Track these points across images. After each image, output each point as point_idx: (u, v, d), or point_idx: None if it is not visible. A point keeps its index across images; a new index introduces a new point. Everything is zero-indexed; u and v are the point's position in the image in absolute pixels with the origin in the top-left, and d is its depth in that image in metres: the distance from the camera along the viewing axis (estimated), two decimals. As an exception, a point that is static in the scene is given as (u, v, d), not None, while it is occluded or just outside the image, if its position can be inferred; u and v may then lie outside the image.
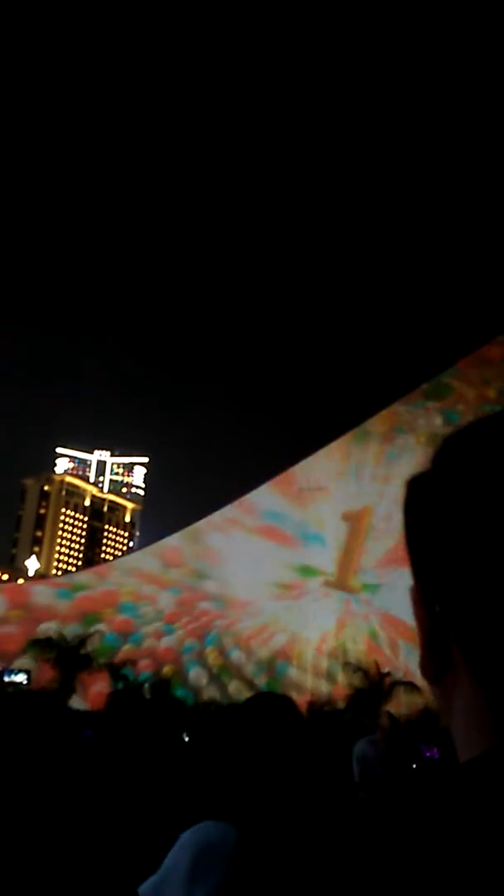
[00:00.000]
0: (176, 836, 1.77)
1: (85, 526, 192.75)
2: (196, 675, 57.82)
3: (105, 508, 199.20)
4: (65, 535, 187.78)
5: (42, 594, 63.26)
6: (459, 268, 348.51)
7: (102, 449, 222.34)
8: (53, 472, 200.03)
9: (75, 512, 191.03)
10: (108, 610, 60.75)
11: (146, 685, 41.26)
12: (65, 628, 50.97)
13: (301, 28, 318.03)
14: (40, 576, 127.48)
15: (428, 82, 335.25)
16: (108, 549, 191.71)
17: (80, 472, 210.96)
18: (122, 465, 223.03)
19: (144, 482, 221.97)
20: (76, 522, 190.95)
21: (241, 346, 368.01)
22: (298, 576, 63.68)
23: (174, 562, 64.95)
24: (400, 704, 38.16)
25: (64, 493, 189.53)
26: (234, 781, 1.81)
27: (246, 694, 54.57)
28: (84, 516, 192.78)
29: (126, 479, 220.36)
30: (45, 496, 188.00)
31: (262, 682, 56.05)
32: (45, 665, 41.12)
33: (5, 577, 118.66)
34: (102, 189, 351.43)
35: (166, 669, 55.36)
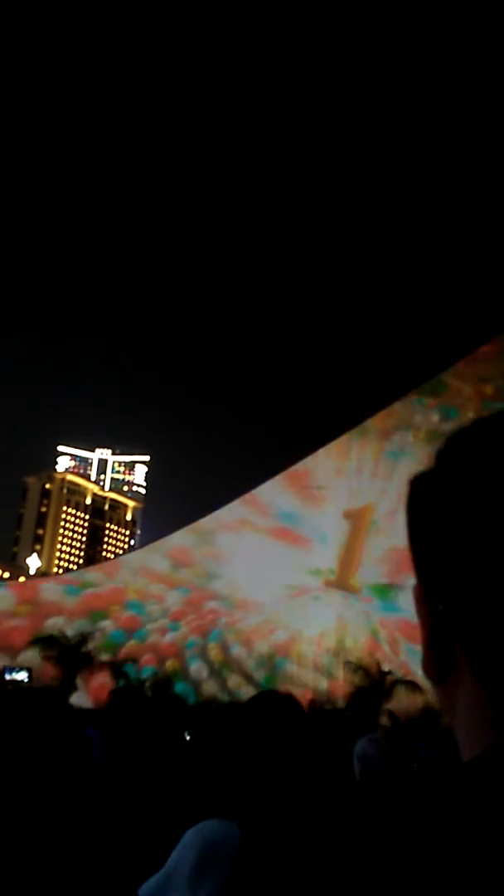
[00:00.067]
0: (178, 834, 1.77)
1: (86, 524, 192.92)
2: (197, 668, 58.40)
3: (106, 507, 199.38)
4: (66, 533, 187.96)
5: (50, 591, 64.09)
6: (459, 268, 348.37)
7: (104, 447, 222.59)
8: (55, 470, 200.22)
9: (76, 510, 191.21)
10: (114, 607, 61.31)
11: (147, 683, 41.31)
12: (72, 624, 52.05)
13: (301, 27, 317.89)
14: (42, 574, 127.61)
15: (427, 82, 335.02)
16: (110, 548, 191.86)
17: (82, 471, 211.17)
18: (123, 464, 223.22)
19: (145, 480, 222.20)
20: (77, 520, 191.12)
21: (242, 345, 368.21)
22: (310, 577, 63.79)
23: (184, 562, 65.15)
24: (401, 703, 38.19)
25: (65, 491, 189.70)
26: (237, 780, 1.81)
27: (245, 688, 55.52)
28: (85, 514, 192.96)
29: (127, 478, 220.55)
30: (46, 494, 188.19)
31: (260, 676, 56.67)
32: (47, 663, 41.31)
33: (6, 575, 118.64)
34: (103, 188, 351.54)
35: (169, 663, 56.10)
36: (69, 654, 40.56)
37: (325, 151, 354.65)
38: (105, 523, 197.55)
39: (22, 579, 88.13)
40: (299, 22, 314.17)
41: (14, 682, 40.09)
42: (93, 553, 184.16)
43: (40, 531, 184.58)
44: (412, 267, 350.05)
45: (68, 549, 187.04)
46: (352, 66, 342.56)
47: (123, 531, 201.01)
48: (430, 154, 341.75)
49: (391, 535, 58.20)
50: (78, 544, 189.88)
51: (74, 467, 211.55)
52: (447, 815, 0.47)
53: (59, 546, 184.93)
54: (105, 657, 45.26)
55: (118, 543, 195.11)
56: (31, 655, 43.56)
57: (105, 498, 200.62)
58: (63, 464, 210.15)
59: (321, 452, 68.89)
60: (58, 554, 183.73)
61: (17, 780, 1.61)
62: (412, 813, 0.49)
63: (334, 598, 62.73)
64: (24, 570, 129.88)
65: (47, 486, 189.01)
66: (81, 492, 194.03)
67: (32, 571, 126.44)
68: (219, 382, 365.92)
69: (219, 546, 65.68)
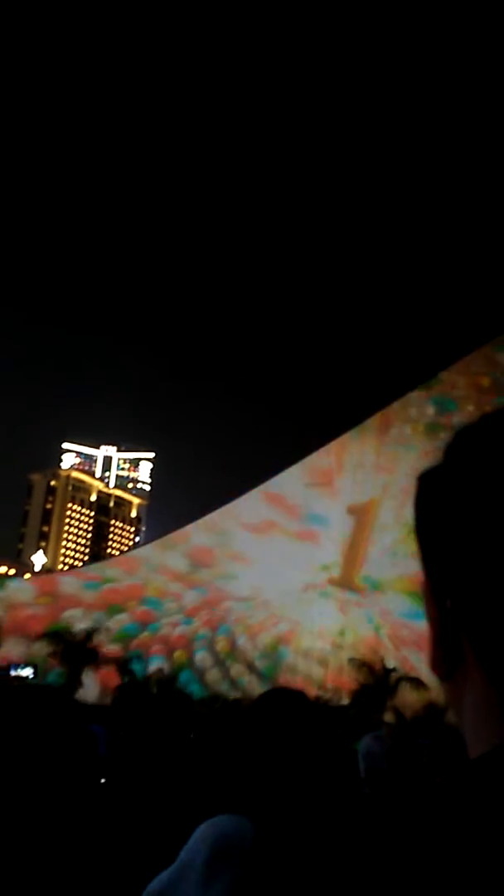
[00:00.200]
0: (184, 829, 1.77)
1: (91, 521, 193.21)
2: (202, 658, 59.10)
3: (111, 504, 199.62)
4: (71, 530, 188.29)
5: (70, 584, 65.08)
6: (460, 268, 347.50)
7: (108, 444, 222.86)
8: (60, 467, 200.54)
9: (81, 507, 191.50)
10: (131, 602, 62.22)
11: (152, 679, 41.43)
12: (89, 616, 53.36)
13: (301, 26, 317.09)
14: (47, 570, 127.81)
15: (427, 81, 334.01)
16: (114, 545, 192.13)
17: (87, 468, 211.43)
18: (128, 461, 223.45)
19: (150, 478, 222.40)
20: (82, 518, 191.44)
21: (248, 342, 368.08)
22: (319, 573, 63.93)
23: (205, 562, 65.44)
24: (405, 700, 38.18)
25: (70, 488, 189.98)
26: (248, 776, 1.82)
27: (247, 677, 56.06)
28: (90, 511, 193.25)
29: (132, 475, 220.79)
30: (51, 491, 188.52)
31: (262, 665, 57.36)
32: (53, 659, 41.56)
33: (12, 572, 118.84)
34: (104, 187, 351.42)
35: (177, 654, 57.13)
36: (75, 650, 40.71)
37: (327, 151, 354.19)
38: (110, 520, 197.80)
39: (27, 576, 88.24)
40: (299, 21, 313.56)
41: (19, 678, 40.22)
42: (97, 550, 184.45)
43: (45, 528, 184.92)
44: (415, 269, 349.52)
45: (73, 545, 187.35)
46: (352, 65, 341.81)
47: (128, 528, 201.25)
48: (434, 156, 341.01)
49: (396, 529, 58.33)
50: (83, 541, 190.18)
51: (79, 464, 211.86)
52: (455, 812, 0.47)
53: (64, 543, 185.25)
54: (116, 647, 45.86)
55: (123, 540, 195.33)
56: (47, 643, 44.02)
57: (110, 495, 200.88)
58: (68, 461, 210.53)
59: (322, 450, 68.91)
60: (63, 551, 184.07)
61: (21, 776, 1.61)
62: (419, 810, 0.49)
63: (340, 593, 62.92)
64: (29, 566, 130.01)
65: (52, 483, 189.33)
66: (86, 489, 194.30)
67: (38, 568, 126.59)
68: (224, 380, 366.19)
69: (242, 547, 65.85)
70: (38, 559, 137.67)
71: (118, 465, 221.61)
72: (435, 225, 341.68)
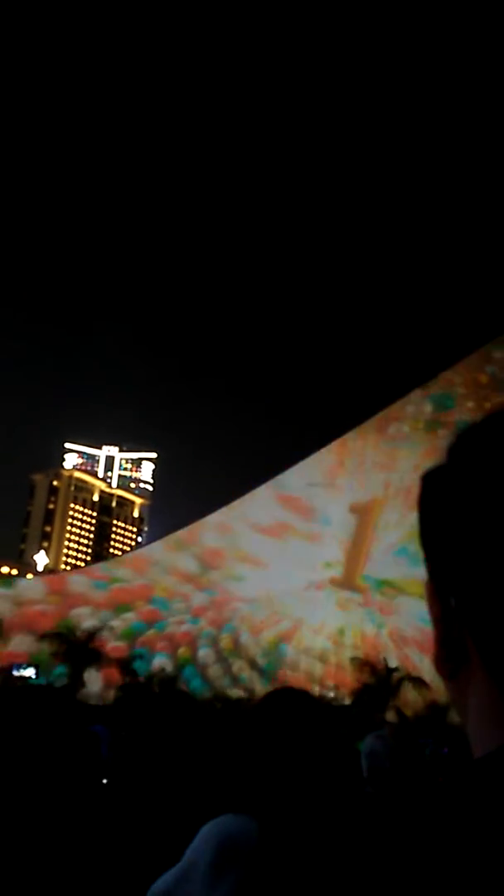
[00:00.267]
0: (185, 829, 1.77)
1: (93, 521, 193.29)
2: (205, 654, 59.33)
3: (113, 504, 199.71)
4: (73, 530, 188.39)
5: (79, 583, 65.36)
6: (459, 268, 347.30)
7: (111, 444, 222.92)
8: (62, 467, 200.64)
9: (84, 507, 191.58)
10: (139, 602, 62.46)
11: (154, 680, 41.47)
12: (97, 615, 53.70)
13: (301, 26, 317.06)
14: (49, 570, 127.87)
15: (427, 81, 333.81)
16: (117, 545, 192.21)
17: (89, 468, 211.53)
18: (130, 461, 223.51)
19: (153, 477, 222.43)
20: (85, 518, 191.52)
21: (249, 342, 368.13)
22: (324, 571, 63.90)
23: (213, 564, 65.47)
24: (407, 700, 38.20)
25: (72, 488, 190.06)
26: (252, 775, 1.81)
27: (248, 672, 56.32)
28: (92, 511, 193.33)
29: (134, 475, 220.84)
30: (53, 491, 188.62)
31: (263, 662, 57.62)
32: (57, 659, 41.59)
33: (14, 572, 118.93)
34: (104, 186, 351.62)
35: (181, 651, 57.49)
36: (77, 651, 40.72)
37: (327, 151, 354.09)
38: (112, 520, 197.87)
39: (30, 576, 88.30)
40: (299, 20, 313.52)
41: (22, 678, 40.28)
42: (100, 550, 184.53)
43: (48, 528, 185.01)
44: (415, 268, 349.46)
45: (76, 546, 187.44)
46: (352, 64, 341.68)
47: (131, 528, 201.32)
48: (434, 156, 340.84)
49: (399, 528, 58.33)
50: (85, 541, 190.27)
51: (82, 464, 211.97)
52: (458, 812, 0.48)
53: (66, 543, 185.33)
54: (121, 644, 46.08)
55: (125, 540, 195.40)
56: (49, 644, 44.10)
57: (112, 495, 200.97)
58: (70, 461, 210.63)
59: (324, 449, 68.92)
60: (65, 551, 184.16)
61: (24, 775, 1.61)
62: (422, 810, 0.49)
63: (342, 592, 62.95)
64: (31, 567, 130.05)
65: (55, 483, 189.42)
66: (89, 489, 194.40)
67: (40, 568, 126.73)
68: (226, 380, 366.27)
69: (252, 549, 65.82)
70: (41, 559, 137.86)
71: (120, 465, 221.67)
72: (435, 225, 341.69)
